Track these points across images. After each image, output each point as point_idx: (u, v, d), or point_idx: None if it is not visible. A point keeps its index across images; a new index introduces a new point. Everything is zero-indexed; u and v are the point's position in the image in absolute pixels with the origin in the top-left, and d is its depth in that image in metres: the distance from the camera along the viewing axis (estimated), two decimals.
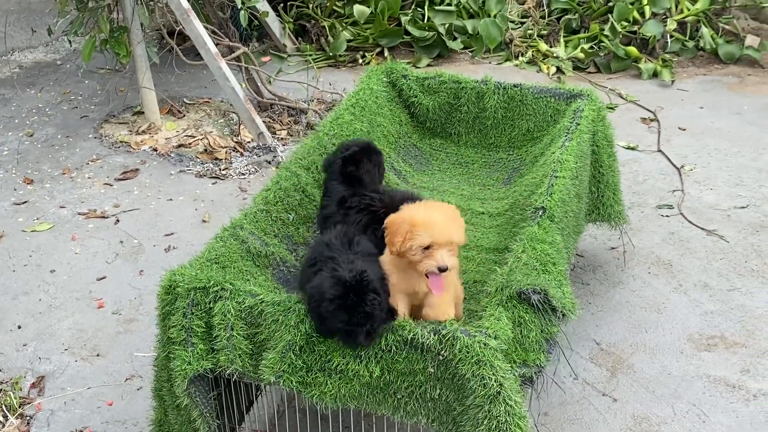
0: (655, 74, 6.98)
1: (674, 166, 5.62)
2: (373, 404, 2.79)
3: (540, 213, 3.32)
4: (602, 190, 4.18)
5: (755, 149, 5.80)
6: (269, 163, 5.92)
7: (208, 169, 5.84)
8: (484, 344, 2.61)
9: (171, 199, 5.49)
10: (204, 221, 5.23)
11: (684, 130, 6.13)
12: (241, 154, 6.05)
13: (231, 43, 6.37)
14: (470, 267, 3.60)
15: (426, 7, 7.61)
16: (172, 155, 6.04)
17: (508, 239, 3.54)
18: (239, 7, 6.18)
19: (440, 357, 2.67)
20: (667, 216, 5.06)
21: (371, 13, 7.54)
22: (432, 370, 2.69)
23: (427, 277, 2.79)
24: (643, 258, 4.67)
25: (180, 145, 6.17)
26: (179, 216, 5.30)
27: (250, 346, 2.83)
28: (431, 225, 2.71)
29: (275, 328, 2.78)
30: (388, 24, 7.52)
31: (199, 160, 5.98)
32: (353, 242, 2.91)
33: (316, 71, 6.99)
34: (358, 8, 7.44)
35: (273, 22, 7.54)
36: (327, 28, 7.64)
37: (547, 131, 4.25)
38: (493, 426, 2.59)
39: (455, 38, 7.60)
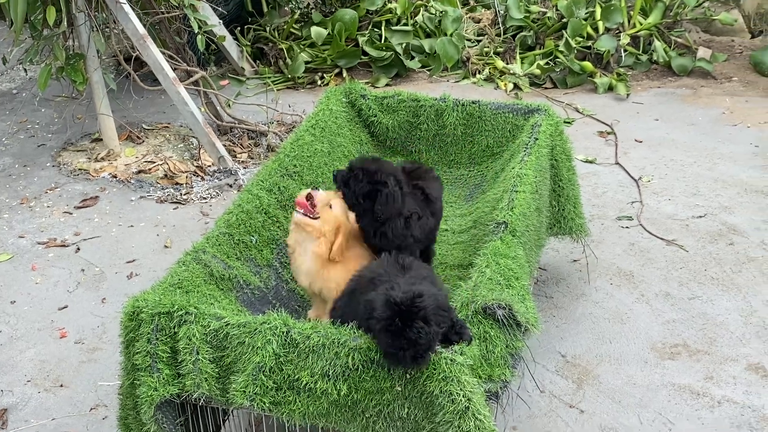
0: (610, 88, 7.08)
1: (632, 178, 5.70)
2: (341, 423, 2.78)
3: (502, 228, 3.35)
4: (563, 203, 4.22)
5: (710, 159, 5.91)
6: (230, 186, 5.91)
7: (168, 195, 5.81)
8: (451, 360, 2.63)
9: (132, 226, 5.45)
10: (166, 246, 5.20)
11: (640, 142, 6.22)
12: (202, 179, 6.03)
13: (189, 68, 6.35)
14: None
15: (383, 28, 7.66)
16: (132, 181, 5.99)
17: (472, 256, 3.56)
18: (196, 31, 6.16)
19: (407, 375, 2.68)
20: (627, 227, 5.12)
21: (329, 34, 7.57)
22: (399, 389, 2.69)
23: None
24: (605, 269, 4.72)
25: (140, 171, 6.13)
26: (141, 242, 5.26)
27: (217, 370, 2.81)
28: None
29: (242, 351, 2.77)
30: (345, 45, 7.55)
31: (159, 185, 5.95)
32: (406, 267, 2.91)
33: (276, 93, 6.99)
34: (315, 30, 7.47)
35: (230, 45, 7.54)
36: (285, 50, 7.66)
37: (507, 147, 4.29)
38: None
39: (413, 57, 7.66)
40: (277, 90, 7.36)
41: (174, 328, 2.83)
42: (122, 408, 3.12)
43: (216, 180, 5.97)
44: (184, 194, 5.81)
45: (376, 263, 3.03)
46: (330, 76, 7.54)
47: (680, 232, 5.04)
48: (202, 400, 2.83)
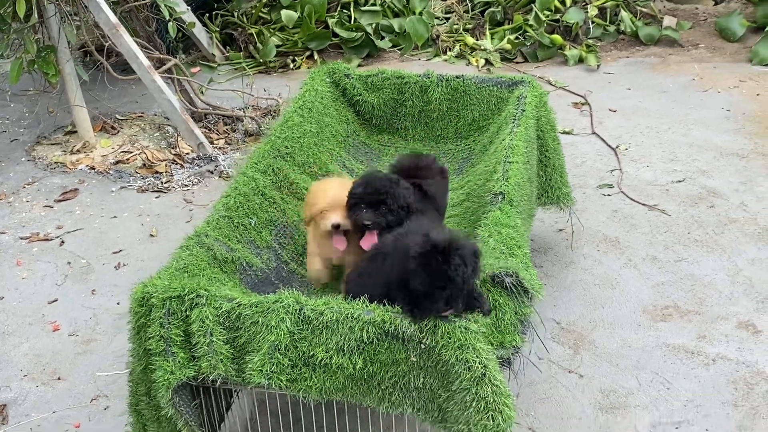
0: (580, 60, 7.16)
1: (609, 146, 5.78)
2: (358, 396, 2.81)
3: (500, 198, 3.39)
4: (549, 173, 4.28)
5: (684, 125, 6.01)
6: (211, 172, 5.89)
7: (149, 184, 5.77)
8: (465, 328, 2.66)
9: (115, 217, 5.41)
10: (152, 235, 5.17)
11: (614, 111, 6.31)
12: (182, 166, 5.99)
13: (161, 56, 6.30)
14: None
15: (352, 9, 7.65)
16: (111, 172, 5.94)
17: (468, 229, 3.61)
18: (167, 18, 6.11)
19: (422, 345, 2.71)
20: (609, 195, 5.20)
21: (299, 17, 7.54)
22: (415, 359, 2.73)
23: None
24: (591, 237, 4.79)
25: (118, 162, 6.08)
26: (125, 232, 5.22)
27: (231, 350, 2.83)
28: (325, 193, 3.37)
29: (255, 330, 2.78)
30: (315, 27, 7.53)
31: (139, 175, 5.91)
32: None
33: (251, 78, 6.96)
34: (285, 13, 7.44)
35: (200, 32, 7.48)
36: (255, 35, 7.62)
37: (493, 120, 4.34)
38: (482, 407, 2.64)
39: (383, 37, 7.66)
40: (246, 75, 7.33)
41: (186, 311, 2.83)
42: (133, 394, 3.12)
43: (196, 167, 5.94)
44: (165, 183, 5.78)
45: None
46: (301, 59, 7.52)
47: (661, 197, 5.13)
48: (218, 382, 2.84)
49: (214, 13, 7.93)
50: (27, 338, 4.32)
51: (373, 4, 7.70)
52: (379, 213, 3.20)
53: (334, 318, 2.74)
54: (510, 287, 2.91)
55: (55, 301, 4.61)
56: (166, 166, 5.99)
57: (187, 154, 6.13)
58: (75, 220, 5.41)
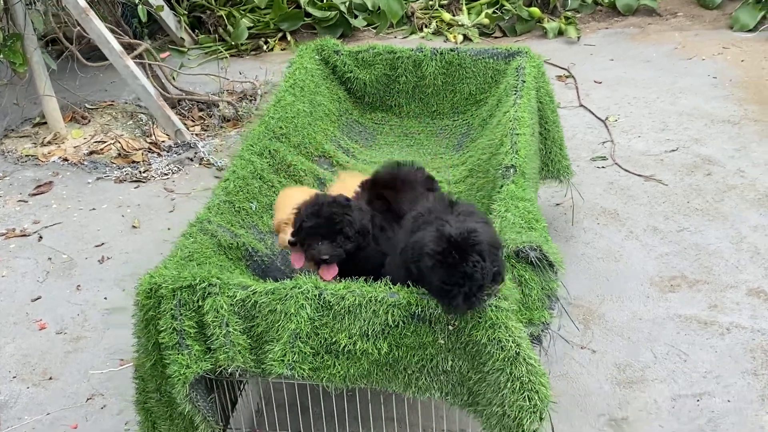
0: (560, 32, 7.06)
1: (599, 118, 5.69)
2: (383, 382, 2.69)
3: (511, 171, 3.27)
4: (549, 146, 4.17)
5: (672, 94, 5.94)
6: (191, 160, 5.69)
7: (127, 174, 5.57)
8: (496, 307, 2.54)
9: (94, 209, 5.20)
10: (134, 227, 4.98)
11: (600, 83, 6.22)
12: (159, 155, 5.79)
13: (131, 41, 6.07)
14: None
15: None
16: (86, 163, 5.72)
17: (477, 204, 3.48)
18: (137, 2, 5.89)
19: (450, 327, 2.59)
20: (603, 167, 5.11)
21: None
22: (442, 342, 2.60)
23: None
24: (589, 210, 4.69)
25: (92, 152, 5.85)
26: (106, 225, 5.02)
27: (248, 340, 2.67)
28: (287, 202, 3.09)
29: (274, 318, 2.63)
30: (287, 7, 7.34)
31: (115, 165, 5.69)
32: (453, 204, 2.79)
33: (226, 61, 6.76)
34: None
35: (168, 16, 7.25)
36: (224, 17, 7.40)
37: (490, 93, 4.21)
38: (517, 387, 2.52)
39: (356, 16, 7.49)
40: (221, 58, 7.12)
41: (198, 301, 2.68)
42: (140, 391, 2.96)
43: (175, 155, 5.74)
44: (144, 172, 5.57)
45: (421, 204, 2.91)
46: (274, 41, 7.33)
47: (656, 167, 5.05)
48: (237, 374, 2.69)
49: None
50: (13, 338, 4.12)
51: None
52: (337, 244, 2.92)
53: (357, 302, 2.60)
54: (535, 262, 2.79)
55: (39, 298, 4.41)
56: (142, 154, 5.78)
57: (163, 141, 5.92)
58: (52, 214, 5.19)
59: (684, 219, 4.54)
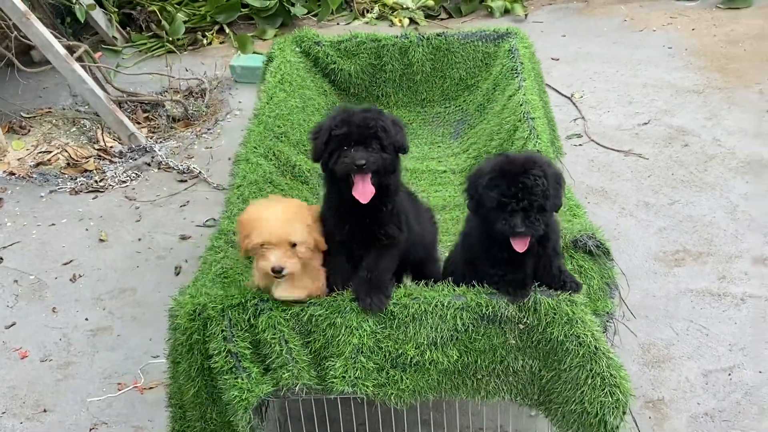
0: (506, 11, 6.99)
1: (564, 96, 5.65)
2: (451, 391, 2.57)
3: None
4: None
5: (632, 66, 5.94)
6: (149, 165, 5.39)
7: (82, 184, 5.22)
8: (571, 302, 2.44)
9: (53, 224, 4.86)
10: (101, 240, 4.68)
11: (557, 60, 6.18)
12: (110, 161, 5.47)
13: (70, 43, 5.71)
14: (458, 229, 3.39)
15: None
16: (35, 176, 5.35)
17: None
18: (72, 2, 5.54)
19: (521, 326, 2.47)
20: (580, 145, 5.07)
21: None
22: (513, 342, 2.49)
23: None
24: (576, 189, 4.61)
25: (39, 164, 5.48)
26: (70, 240, 4.70)
27: (310, 356, 2.49)
28: (263, 223, 2.47)
29: (333, 333, 2.47)
30: None
31: (66, 175, 5.34)
32: None
33: (178, 57, 6.45)
34: None
35: (98, 15, 6.86)
36: (157, 12, 7.05)
37: (481, 77, 4.10)
38: (598, 383, 2.43)
39: (293, 4, 7.25)
40: (159, 55, 6.80)
41: (249, 320, 2.48)
42: (176, 419, 2.75)
43: (130, 160, 5.43)
44: (99, 181, 5.25)
45: None
46: (212, 34, 7.03)
47: (633, 141, 5.04)
48: (303, 393, 2.50)
49: None
50: None
51: None
52: (373, 150, 2.52)
53: (422, 309, 2.46)
54: (594, 250, 2.70)
55: (13, 325, 4.10)
56: (94, 162, 5.44)
57: (112, 147, 5.60)
58: (8, 233, 4.83)
59: (673, 191, 4.53)
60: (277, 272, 2.45)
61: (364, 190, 2.49)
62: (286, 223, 2.48)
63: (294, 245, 2.47)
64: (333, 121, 2.55)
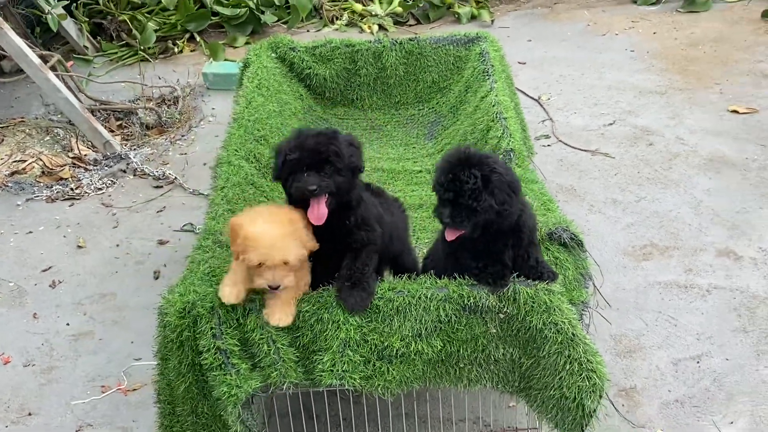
0: (473, 17, 7.12)
1: (532, 98, 5.78)
2: (435, 380, 2.66)
3: (511, 155, 3.28)
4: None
5: (596, 70, 6.10)
6: (124, 171, 5.44)
7: (58, 192, 5.26)
8: (549, 291, 2.55)
9: (31, 232, 4.89)
10: (80, 246, 4.72)
11: (524, 63, 6.32)
12: (85, 169, 5.50)
13: (43, 52, 5.74)
14: (435, 226, 3.50)
15: None
16: (10, 185, 5.37)
17: None
18: (45, 11, 5.58)
19: (501, 315, 2.58)
20: (549, 145, 5.20)
21: None
22: (494, 331, 2.59)
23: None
24: (546, 187, 4.75)
25: (14, 173, 5.50)
26: (49, 247, 4.74)
27: (297, 353, 2.58)
28: (262, 243, 2.48)
29: (320, 328, 2.55)
30: (194, 8, 7.10)
31: (42, 184, 5.37)
32: None
33: (152, 65, 6.49)
34: None
35: (68, 24, 6.88)
36: (128, 21, 7.09)
37: (453, 79, 4.21)
38: (575, 369, 2.53)
39: (263, 12, 7.33)
40: (130, 63, 6.84)
41: (239, 318, 2.55)
42: (165, 415, 2.81)
43: (106, 168, 5.47)
44: (75, 189, 5.28)
45: None
46: (183, 42, 7.08)
47: (599, 141, 5.18)
48: (290, 390, 2.58)
49: (78, 2, 7.30)
50: None
51: None
52: (326, 174, 2.55)
53: (406, 302, 2.55)
54: (568, 242, 2.81)
55: None
56: (69, 171, 5.48)
57: (86, 155, 5.63)
58: None
59: (639, 189, 4.67)
60: (275, 289, 2.51)
61: (318, 214, 2.55)
62: (282, 243, 2.49)
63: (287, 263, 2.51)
64: (288, 145, 2.61)
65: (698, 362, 3.56)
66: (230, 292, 2.56)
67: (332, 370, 2.54)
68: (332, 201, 2.58)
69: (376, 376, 2.56)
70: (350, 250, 2.65)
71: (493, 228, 2.50)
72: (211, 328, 2.54)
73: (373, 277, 2.65)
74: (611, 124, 5.35)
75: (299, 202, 2.59)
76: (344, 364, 2.54)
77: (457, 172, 2.43)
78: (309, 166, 2.54)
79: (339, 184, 2.56)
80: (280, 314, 2.56)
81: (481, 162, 2.46)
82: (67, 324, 4.13)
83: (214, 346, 2.54)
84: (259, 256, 2.47)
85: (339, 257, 2.67)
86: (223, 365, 2.54)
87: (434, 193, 2.54)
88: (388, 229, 2.79)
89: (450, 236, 2.50)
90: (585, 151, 5.09)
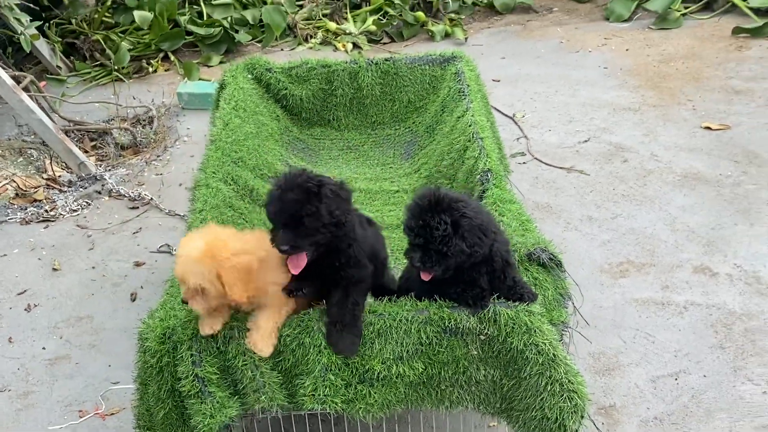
0: (447, 35, 7.16)
1: (506, 116, 5.81)
2: (416, 402, 2.65)
3: (489, 175, 3.29)
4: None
5: (570, 86, 6.15)
6: (99, 193, 5.40)
7: (32, 214, 5.21)
8: (529, 312, 2.55)
9: (5, 254, 4.84)
10: (55, 269, 4.67)
11: (498, 81, 6.36)
12: (60, 191, 5.46)
13: (16, 73, 5.70)
14: None
15: (202, 4, 7.26)
16: None
17: None
18: (18, 32, 5.54)
19: (482, 337, 2.58)
20: (524, 163, 5.23)
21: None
22: (475, 352, 2.59)
23: None
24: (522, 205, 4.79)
25: None
26: (24, 270, 4.69)
27: (280, 377, 2.56)
28: (176, 259, 2.47)
29: (302, 353, 2.55)
30: (167, 27, 7.08)
31: (16, 206, 5.32)
32: None
33: (128, 85, 6.46)
34: (139, 14, 6.93)
35: (41, 44, 6.84)
36: (101, 40, 7.06)
37: (429, 99, 4.23)
38: (557, 389, 2.54)
39: (237, 31, 7.33)
40: (104, 83, 6.81)
41: (219, 346, 2.54)
42: None
43: (81, 189, 5.43)
44: (50, 210, 5.24)
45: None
46: (157, 62, 7.06)
47: (574, 158, 5.21)
48: (275, 413, 2.57)
49: (51, 22, 7.26)
50: None
51: None
52: (301, 233, 2.45)
53: (387, 324, 2.55)
54: (547, 263, 2.83)
55: None
56: (43, 192, 5.43)
57: (60, 176, 5.59)
58: None
59: (614, 206, 4.70)
60: (185, 303, 2.48)
61: (295, 264, 2.50)
62: (188, 264, 2.43)
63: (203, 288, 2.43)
64: (269, 194, 2.52)
65: (676, 379, 3.58)
66: (203, 324, 2.54)
67: (314, 395, 2.53)
68: (313, 251, 2.51)
69: (357, 400, 2.56)
70: (342, 285, 2.60)
71: (466, 265, 2.51)
72: (191, 355, 2.53)
73: (362, 318, 2.60)
74: (586, 141, 5.39)
75: None
76: (326, 388, 2.53)
77: (426, 218, 2.43)
78: (285, 224, 2.46)
79: (317, 240, 2.47)
80: (261, 344, 2.54)
81: (450, 207, 2.45)
82: (43, 348, 4.08)
83: (193, 373, 2.52)
84: (175, 266, 2.46)
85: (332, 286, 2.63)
86: (200, 393, 2.52)
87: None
88: (382, 263, 2.79)
89: (426, 277, 2.51)
90: (560, 168, 5.12)
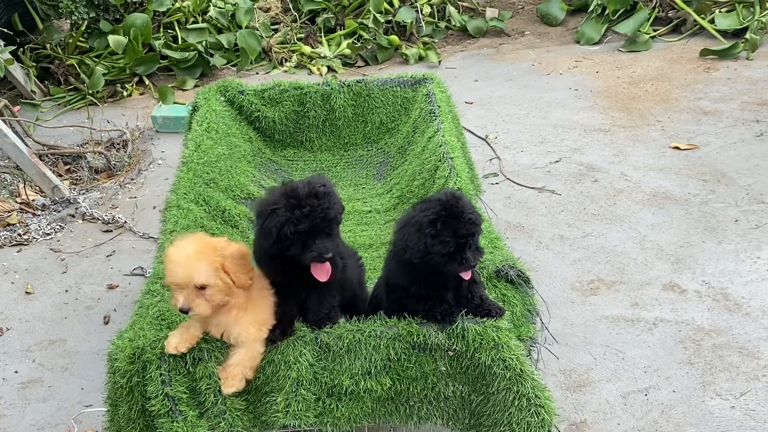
0: (420, 58, 7.23)
1: (479, 137, 5.87)
2: (384, 417, 2.67)
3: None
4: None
5: (541, 108, 6.22)
6: (73, 216, 5.40)
7: (5, 238, 5.20)
8: (497, 328, 2.59)
9: None
10: (28, 293, 4.66)
11: (471, 103, 6.43)
12: (33, 215, 5.45)
13: None
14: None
15: (177, 28, 7.30)
16: None
17: None
18: None
19: (450, 353, 2.61)
20: (497, 183, 5.28)
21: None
22: (444, 368, 2.62)
23: None
24: (495, 225, 4.80)
25: None
26: None
27: (245, 400, 2.58)
28: (168, 263, 2.47)
29: (272, 370, 2.56)
30: (142, 51, 7.11)
31: None
32: None
33: (90, 111, 6.46)
34: (114, 39, 6.94)
35: (15, 69, 6.84)
36: (76, 65, 7.07)
37: (401, 120, 4.27)
38: (524, 404, 2.57)
39: (211, 55, 7.37)
40: (79, 107, 6.81)
41: (188, 366, 2.55)
42: None
43: (54, 212, 5.42)
44: (23, 234, 5.23)
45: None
46: (131, 86, 7.07)
47: (546, 178, 5.27)
48: None
49: (26, 47, 7.27)
50: None
51: (195, 22, 7.39)
52: (335, 236, 2.55)
53: (356, 339, 2.57)
54: (515, 279, 2.86)
55: None
56: (17, 216, 5.42)
57: (34, 200, 5.59)
58: None
59: (585, 225, 4.76)
60: (185, 312, 2.47)
61: (327, 270, 2.55)
62: (189, 264, 2.44)
63: (203, 287, 2.45)
64: (287, 215, 2.45)
65: (646, 395, 3.61)
66: (169, 342, 2.55)
67: (287, 411, 2.54)
68: None
69: (325, 413, 2.58)
70: (316, 286, 2.63)
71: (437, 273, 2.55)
72: (161, 374, 2.53)
73: (339, 315, 2.71)
74: (557, 161, 5.46)
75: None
76: (298, 403, 2.55)
77: (468, 217, 2.48)
78: (320, 232, 2.47)
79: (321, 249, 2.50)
80: (233, 381, 2.55)
81: (462, 199, 2.55)
82: (16, 371, 4.07)
83: (163, 392, 2.52)
84: (168, 276, 2.45)
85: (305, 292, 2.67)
86: (170, 412, 2.53)
87: (446, 252, 2.48)
88: (346, 269, 2.81)
89: (469, 275, 2.55)
90: (532, 188, 5.17)
